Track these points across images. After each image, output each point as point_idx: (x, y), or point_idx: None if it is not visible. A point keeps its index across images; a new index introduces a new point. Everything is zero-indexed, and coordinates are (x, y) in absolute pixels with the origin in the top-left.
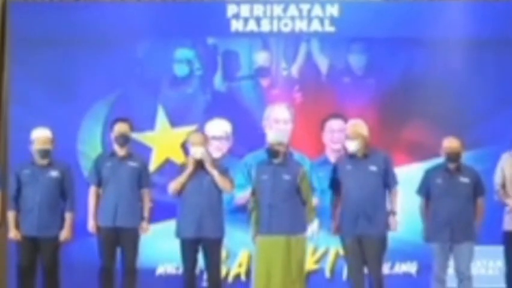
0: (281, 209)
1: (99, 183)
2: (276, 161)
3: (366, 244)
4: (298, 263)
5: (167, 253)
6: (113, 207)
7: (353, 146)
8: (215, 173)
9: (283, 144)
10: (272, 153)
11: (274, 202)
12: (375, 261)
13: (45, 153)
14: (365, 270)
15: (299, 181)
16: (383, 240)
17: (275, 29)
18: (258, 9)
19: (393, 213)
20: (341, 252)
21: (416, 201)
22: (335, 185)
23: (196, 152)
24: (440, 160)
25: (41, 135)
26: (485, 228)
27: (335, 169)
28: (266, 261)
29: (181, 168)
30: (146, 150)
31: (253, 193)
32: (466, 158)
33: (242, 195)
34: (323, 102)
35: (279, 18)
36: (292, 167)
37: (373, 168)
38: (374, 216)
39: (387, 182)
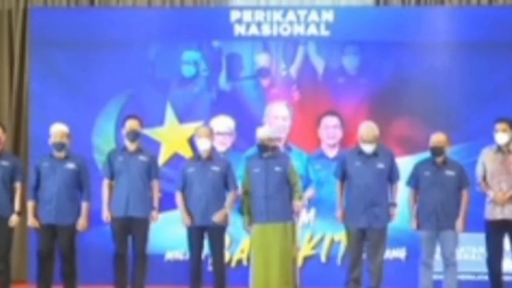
0: (276, 199)
1: (112, 176)
2: (266, 154)
3: (370, 235)
4: (293, 246)
5: (175, 240)
6: (125, 199)
7: (369, 149)
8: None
9: (272, 139)
10: (263, 148)
11: (269, 193)
12: (376, 250)
13: (60, 146)
14: (364, 257)
15: (289, 171)
16: (385, 231)
17: (275, 33)
18: (259, 15)
19: (394, 205)
20: (336, 239)
21: (406, 192)
22: (342, 174)
23: (203, 143)
24: (428, 154)
25: (57, 130)
26: (468, 217)
27: (344, 160)
28: (265, 248)
29: (188, 162)
30: (156, 145)
31: (244, 185)
32: (453, 152)
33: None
34: (319, 101)
35: (279, 23)
36: (281, 159)
37: (381, 165)
38: (379, 210)
39: (391, 177)
